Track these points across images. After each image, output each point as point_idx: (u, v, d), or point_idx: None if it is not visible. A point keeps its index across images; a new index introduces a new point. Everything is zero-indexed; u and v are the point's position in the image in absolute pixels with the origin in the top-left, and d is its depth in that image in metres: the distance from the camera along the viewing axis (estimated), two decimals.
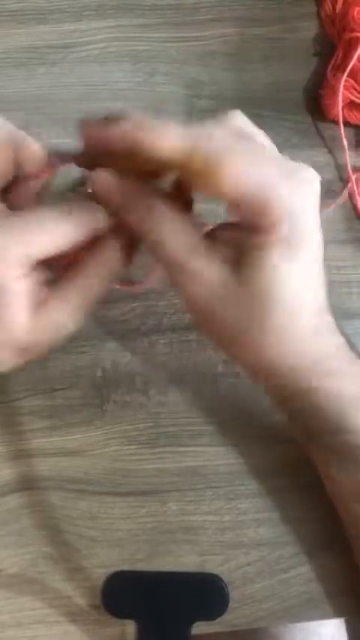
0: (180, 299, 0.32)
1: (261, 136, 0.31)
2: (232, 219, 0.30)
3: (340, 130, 0.43)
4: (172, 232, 0.29)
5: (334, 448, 0.33)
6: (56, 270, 0.31)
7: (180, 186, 0.31)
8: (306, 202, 0.29)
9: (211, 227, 0.32)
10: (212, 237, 0.31)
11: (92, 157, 0.29)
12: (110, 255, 0.30)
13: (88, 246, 0.30)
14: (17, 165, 0.31)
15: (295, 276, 0.29)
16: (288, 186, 0.28)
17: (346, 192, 0.44)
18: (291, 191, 0.28)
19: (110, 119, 0.28)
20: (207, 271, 0.29)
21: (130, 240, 0.30)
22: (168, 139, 0.26)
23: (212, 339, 0.34)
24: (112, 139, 0.27)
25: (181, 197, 0.31)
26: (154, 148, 0.26)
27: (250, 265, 0.29)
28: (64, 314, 0.30)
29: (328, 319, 0.31)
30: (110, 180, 0.29)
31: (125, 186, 0.29)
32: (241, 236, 0.29)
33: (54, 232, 0.28)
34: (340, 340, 0.32)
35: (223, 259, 0.29)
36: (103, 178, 0.29)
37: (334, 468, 0.35)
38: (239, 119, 0.30)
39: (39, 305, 0.29)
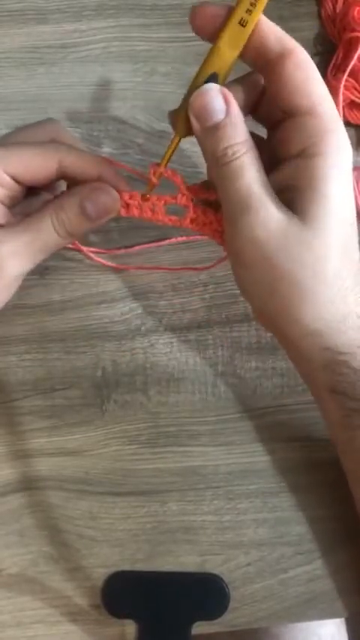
0: (233, 241, 0.32)
1: None
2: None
3: None
4: (255, 165, 0.30)
5: None
6: None
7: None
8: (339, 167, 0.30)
9: None
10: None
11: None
12: (64, 208, 0.33)
13: None
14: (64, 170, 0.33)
15: (347, 200, 0.30)
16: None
17: None
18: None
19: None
20: (276, 209, 0.30)
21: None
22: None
23: (256, 292, 0.32)
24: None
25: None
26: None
27: (307, 198, 0.29)
28: (13, 252, 0.32)
29: None
30: (222, 94, 0.30)
31: (235, 105, 0.30)
32: (292, 173, 0.30)
33: (27, 157, 0.32)
34: None
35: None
36: (215, 90, 0.30)
37: None
38: None
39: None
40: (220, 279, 0.42)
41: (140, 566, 0.38)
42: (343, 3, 0.44)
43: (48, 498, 0.39)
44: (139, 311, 0.41)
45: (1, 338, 0.41)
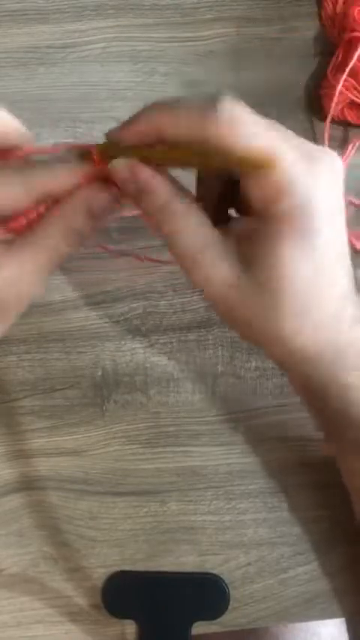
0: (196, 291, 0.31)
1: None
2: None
3: (339, 129, 0.43)
4: (187, 227, 0.29)
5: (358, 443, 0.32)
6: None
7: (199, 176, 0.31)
8: (323, 185, 0.28)
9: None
10: (227, 232, 0.30)
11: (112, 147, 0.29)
12: (72, 213, 0.30)
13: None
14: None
15: (309, 266, 0.28)
16: (304, 167, 0.27)
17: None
18: (307, 172, 0.27)
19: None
20: (220, 269, 0.29)
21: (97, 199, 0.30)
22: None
23: (234, 330, 0.33)
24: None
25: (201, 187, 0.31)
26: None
27: (261, 258, 0.28)
28: (20, 273, 0.29)
29: (353, 311, 0.30)
30: (128, 168, 0.28)
31: (144, 174, 0.28)
32: (254, 227, 0.29)
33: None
34: None
35: (237, 255, 0.29)
36: (122, 165, 0.28)
37: (358, 463, 0.34)
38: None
39: None
40: None
41: (140, 566, 0.38)
42: (343, 3, 0.44)
43: (48, 498, 0.39)
44: (139, 311, 0.41)
45: (1, 338, 0.40)
